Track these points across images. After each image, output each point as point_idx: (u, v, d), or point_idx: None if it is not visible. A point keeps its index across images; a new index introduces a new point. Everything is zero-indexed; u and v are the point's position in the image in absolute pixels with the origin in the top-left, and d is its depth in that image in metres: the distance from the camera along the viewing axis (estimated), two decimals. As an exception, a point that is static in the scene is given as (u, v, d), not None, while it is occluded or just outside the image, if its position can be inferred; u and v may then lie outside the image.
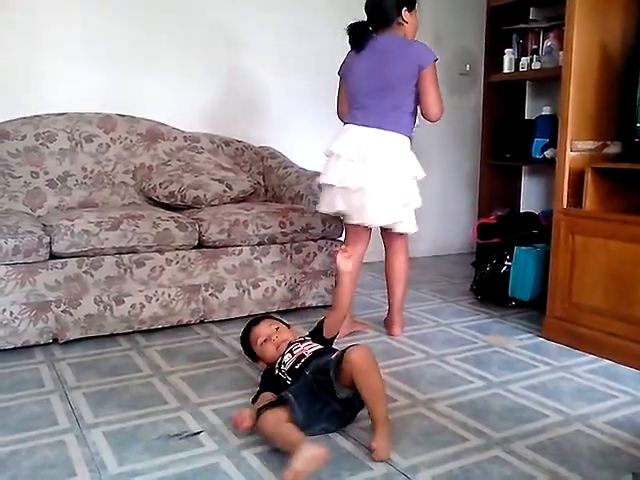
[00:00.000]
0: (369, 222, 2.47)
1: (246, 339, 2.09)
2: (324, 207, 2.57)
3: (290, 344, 1.97)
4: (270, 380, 1.93)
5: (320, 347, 1.95)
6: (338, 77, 2.61)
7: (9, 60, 3.06)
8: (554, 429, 1.81)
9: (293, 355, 1.91)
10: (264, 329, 2.04)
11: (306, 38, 3.75)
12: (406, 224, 2.50)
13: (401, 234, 2.57)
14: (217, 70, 3.56)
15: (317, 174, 3.13)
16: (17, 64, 3.08)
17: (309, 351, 1.91)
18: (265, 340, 2.00)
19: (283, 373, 1.89)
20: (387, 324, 2.72)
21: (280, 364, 1.92)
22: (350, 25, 2.47)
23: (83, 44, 3.20)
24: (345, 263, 2.12)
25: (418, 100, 2.44)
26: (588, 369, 2.30)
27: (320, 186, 2.66)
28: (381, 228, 2.59)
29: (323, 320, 2.10)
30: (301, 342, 1.98)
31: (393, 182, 2.41)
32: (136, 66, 3.32)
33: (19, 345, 2.39)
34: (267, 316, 2.26)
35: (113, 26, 3.25)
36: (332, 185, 2.47)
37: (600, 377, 2.22)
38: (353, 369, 1.65)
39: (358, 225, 2.50)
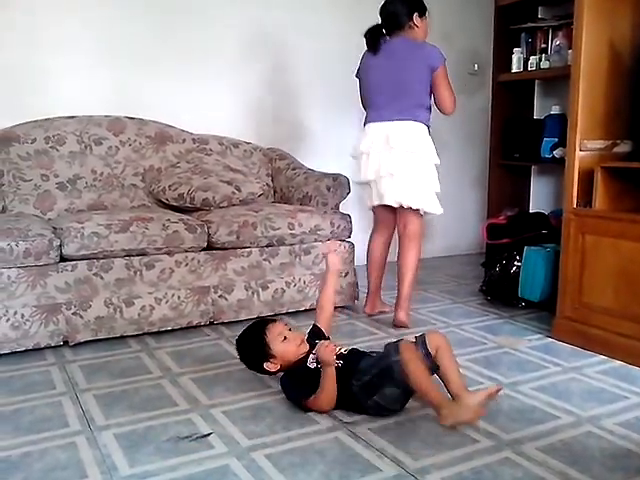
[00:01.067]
0: (397, 202, 2.68)
1: (262, 337, 1.96)
2: (376, 200, 2.77)
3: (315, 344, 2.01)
4: (301, 375, 1.92)
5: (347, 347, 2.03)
6: (357, 80, 2.81)
7: (9, 60, 3.06)
8: (564, 430, 1.80)
9: None
10: (282, 328, 2.00)
11: (308, 38, 3.74)
12: (430, 205, 2.71)
13: (415, 224, 2.73)
14: (224, 71, 3.56)
15: (325, 175, 3.16)
16: (18, 64, 3.08)
17: (342, 349, 1.98)
18: (285, 338, 1.96)
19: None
20: (395, 314, 2.75)
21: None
22: (368, 29, 2.71)
23: (84, 44, 3.20)
24: (334, 260, 2.22)
25: (431, 96, 2.68)
26: (599, 370, 2.28)
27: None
28: (397, 219, 2.78)
29: (315, 325, 2.15)
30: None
31: (418, 165, 2.65)
32: (140, 67, 3.32)
33: (30, 347, 2.41)
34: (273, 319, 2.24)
35: (114, 26, 3.25)
36: (370, 180, 2.72)
37: (611, 378, 2.20)
38: (440, 344, 1.90)
39: (388, 207, 2.74)
